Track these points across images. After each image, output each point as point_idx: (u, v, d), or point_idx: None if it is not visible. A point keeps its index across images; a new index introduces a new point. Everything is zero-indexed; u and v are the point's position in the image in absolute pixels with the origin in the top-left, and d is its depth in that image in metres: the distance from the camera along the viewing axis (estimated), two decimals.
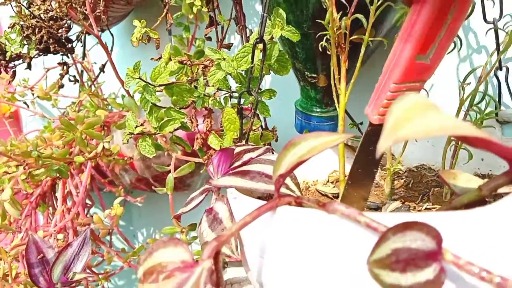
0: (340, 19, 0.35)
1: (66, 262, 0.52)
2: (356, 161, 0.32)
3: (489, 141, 0.17)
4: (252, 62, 0.37)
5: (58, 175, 0.51)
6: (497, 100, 0.49)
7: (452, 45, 0.42)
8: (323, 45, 0.36)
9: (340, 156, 0.38)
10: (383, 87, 0.28)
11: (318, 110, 0.52)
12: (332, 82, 0.38)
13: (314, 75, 0.48)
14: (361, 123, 0.55)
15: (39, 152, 0.47)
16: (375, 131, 0.30)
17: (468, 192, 0.23)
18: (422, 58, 0.26)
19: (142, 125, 0.47)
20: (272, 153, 0.39)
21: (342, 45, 0.37)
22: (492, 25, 0.46)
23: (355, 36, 0.36)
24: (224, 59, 0.38)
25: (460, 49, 0.47)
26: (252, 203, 0.29)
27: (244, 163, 0.36)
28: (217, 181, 0.34)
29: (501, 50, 0.41)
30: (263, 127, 0.52)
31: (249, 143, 0.44)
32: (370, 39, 0.35)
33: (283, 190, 0.31)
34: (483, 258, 0.19)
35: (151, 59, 0.46)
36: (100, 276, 0.76)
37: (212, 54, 0.39)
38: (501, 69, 0.49)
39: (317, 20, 0.37)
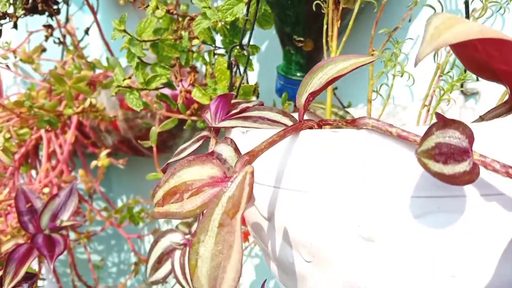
0: None
1: (54, 210, 0.54)
2: None
3: None
4: (247, 15, 0.40)
5: (48, 126, 0.53)
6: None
7: (433, 10, 0.46)
8: (318, 4, 0.40)
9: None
10: None
11: (299, 75, 0.55)
12: (324, 40, 0.41)
13: (302, 39, 0.51)
14: (336, 88, 0.59)
15: (31, 102, 0.50)
16: None
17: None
18: None
19: (129, 78, 0.50)
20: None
21: (337, 4, 0.40)
22: None
23: None
24: (209, 7, 0.41)
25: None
26: (267, 133, 0.28)
27: (242, 110, 0.37)
28: (219, 124, 0.35)
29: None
30: (244, 83, 0.55)
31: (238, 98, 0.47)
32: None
33: None
34: (504, 159, 0.21)
35: (139, 7, 0.49)
36: (82, 235, 0.79)
37: (198, 3, 0.41)
38: None
39: None
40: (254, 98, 0.53)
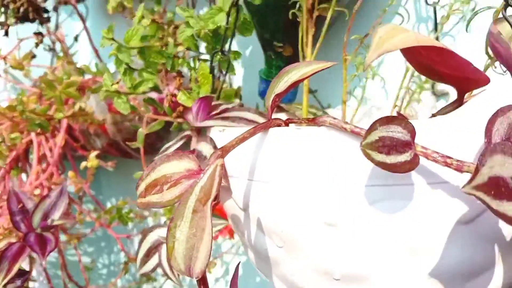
0: None
1: (45, 210, 0.56)
2: None
3: (453, 52, 0.22)
4: (227, 24, 0.42)
5: (39, 129, 0.55)
6: None
7: (401, 18, 0.49)
8: (294, 12, 0.43)
9: None
10: None
11: None
12: (300, 46, 0.44)
13: (281, 45, 0.54)
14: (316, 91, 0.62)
15: (24, 107, 0.52)
16: None
17: None
18: None
19: (117, 83, 0.52)
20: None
21: (311, 13, 0.44)
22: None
23: (323, 5, 0.43)
24: (192, 17, 0.44)
25: (408, 21, 0.53)
26: (242, 131, 0.30)
27: (223, 111, 0.40)
28: (201, 123, 0.37)
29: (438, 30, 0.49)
30: (228, 86, 0.58)
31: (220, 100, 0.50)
32: (336, 9, 0.42)
33: None
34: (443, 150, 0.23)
35: (125, 16, 0.51)
36: (72, 236, 0.81)
37: (182, 13, 0.44)
38: None
39: None
40: (237, 101, 0.56)
